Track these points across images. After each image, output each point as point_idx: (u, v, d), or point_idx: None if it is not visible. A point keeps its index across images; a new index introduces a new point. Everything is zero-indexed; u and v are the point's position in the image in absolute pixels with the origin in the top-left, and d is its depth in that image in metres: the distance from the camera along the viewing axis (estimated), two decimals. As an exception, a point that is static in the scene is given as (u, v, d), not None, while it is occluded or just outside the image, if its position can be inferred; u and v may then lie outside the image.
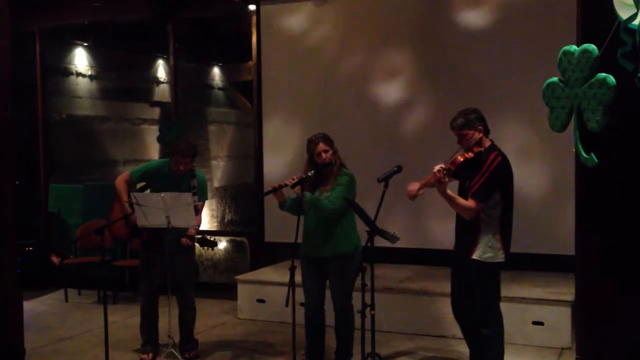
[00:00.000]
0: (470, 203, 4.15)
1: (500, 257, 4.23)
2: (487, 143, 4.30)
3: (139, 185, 5.55)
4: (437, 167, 4.09)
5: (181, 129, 7.82)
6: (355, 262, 4.73)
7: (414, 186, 4.36)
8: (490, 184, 4.15)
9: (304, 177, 4.62)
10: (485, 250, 4.21)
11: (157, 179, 5.28)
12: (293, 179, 4.62)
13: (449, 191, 4.17)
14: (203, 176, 5.47)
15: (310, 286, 4.88)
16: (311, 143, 4.77)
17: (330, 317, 4.93)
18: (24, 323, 5.45)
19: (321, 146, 4.72)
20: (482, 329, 4.36)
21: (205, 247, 5.07)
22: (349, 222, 4.80)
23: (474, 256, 4.23)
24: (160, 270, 5.17)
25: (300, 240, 4.76)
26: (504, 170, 4.23)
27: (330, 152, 4.73)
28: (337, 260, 4.76)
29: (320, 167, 4.69)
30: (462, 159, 4.19)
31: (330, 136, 4.82)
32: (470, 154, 4.21)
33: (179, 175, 5.22)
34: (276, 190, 4.65)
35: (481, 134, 4.27)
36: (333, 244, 4.75)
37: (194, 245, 5.49)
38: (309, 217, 4.75)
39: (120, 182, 5.28)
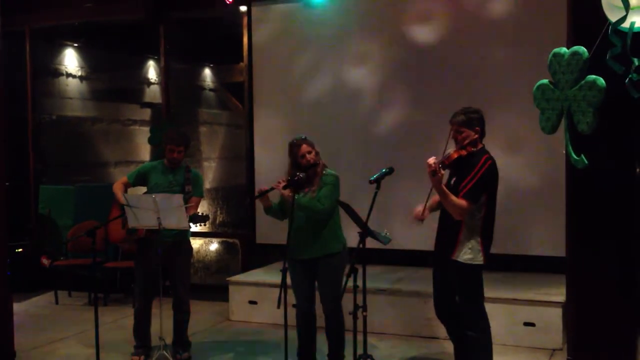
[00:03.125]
0: (462, 202, 4.16)
1: (479, 259, 4.25)
2: (480, 146, 4.33)
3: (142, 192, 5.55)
4: (431, 160, 4.09)
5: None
6: (344, 262, 4.77)
7: (419, 209, 4.42)
8: (481, 185, 4.18)
9: (296, 179, 4.63)
10: (465, 252, 4.24)
11: (153, 175, 5.32)
12: (279, 182, 4.66)
13: (443, 186, 4.18)
14: (199, 173, 5.54)
15: (300, 288, 4.89)
16: (294, 146, 4.80)
17: (321, 319, 4.93)
18: (14, 325, 5.42)
19: (304, 148, 4.75)
20: (467, 331, 4.38)
21: (198, 225, 5.08)
22: (336, 222, 4.83)
23: (454, 257, 4.26)
24: (154, 271, 5.16)
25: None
26: (493, 174, 4.26)
27: (314, 153, 4.77)
28: (326, 260, 4.77)
29: (305, 169, 4.70)
30: (456, 156, 4.21)
31: (311, 139, 4.85)
32: (464, 152, 4.23)
33: (174, 168, 5.28)
34: (266, 193, 4.69)
35: (477, 135, 4.30)
36: (322, 244, 4.77)
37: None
38: (299, 218, 4.71)
39: (117, 186, 5.30)
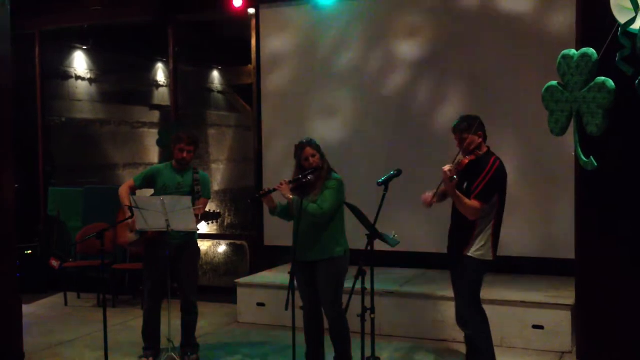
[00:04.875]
0: (475, 203, 4.33)
1: (489, 256, 4.42)
2: (485, 149, 4.50)
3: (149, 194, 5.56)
4: (447, 167, 4.29)
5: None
6: (344, 267, 4.78)
7: (428, 195, 4.56)
8: (492, 186, 4.35)
9: (304, 180, 4.63)
10: (478, 248, 4.40)
11: (161, 177, 5.32)
12: (282, 184, 4.65)
13: (457, 191, 4.34)
14: (207, 175, 5.56)
15: (305, 290, 4.89)
16: (298, 148, 4.80)
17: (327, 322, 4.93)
18: (23, 327, 5.45)
19: (308, 151, 4.74)
20: (464, 329, 4.54)
21: (210, 222, 5.10)
22: (337, 226, 4.81)
23: (467, 253, 4.41)
24: (163, 273, 5.17)
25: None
26: (503, 174, 4.44)
27: (318, 156, 4.76)
28: (326, 264, 4.76)
29: (309, 172, 4.69)
30: (467, 162, 4.38)
31: (317, 141, 4.84)
32: (472, 157, 4.40)
33: (182, 169, 5.30)
34: (267, 194, 4.71)
35: (481, 139, 4.47)
36: (322, 248, 4.76)
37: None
38: (302, 221, 4.65)
39: (124, 189, 5.31)
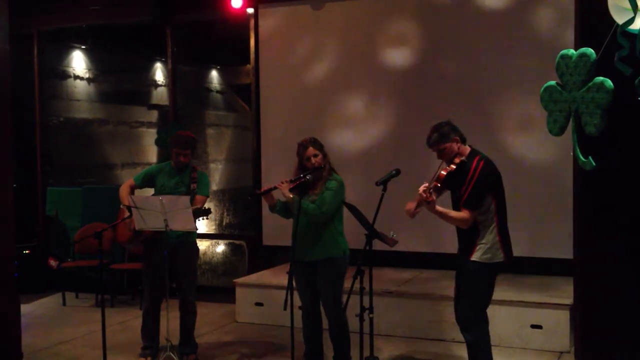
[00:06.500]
0: (464, 214, 4.18)
1: (499, 257, 4.24)
2: (467, 150, 4.31)
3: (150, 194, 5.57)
4: (422, 188, 4.10)
5: (179, 132, 7.81)
6: (343, 267, 4.76)
7: (411, 205, 4.36)
8: (479, 190, 4.17)
9: (304, 179, 4.62)
10: (484, 252, 4.23)
11: (160, 177, 5.35)
12: (282, 182, 4.66)
13: (438, 208, 4.18)
14: (205, 174, 5.57)
15: (304, 290, 4.89)
16: (301, 147, 4.78)
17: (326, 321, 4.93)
18: (21, 326, 5.44)
19: (310, 150, 4.73)
20: (465, 334, 4.37)
21: (201, 218, 5.09)
22: (337, 227, 4.80)
23: (473, 258, 4.25)
24: (161, 272, 5.18)
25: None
26: (490, 173, 4.23)
27: (320, 156, 4.75)
28: (325, 264, 4.76)
29: (310, 172, 4.69)
30: (445, 173, 4.19)
31: (320, 140, 4.83)
32: (452, 167, 4.21)
33: (180, 169, 5.31)
34: (268, 192, 4.70)
35: (459, 144, 4.29)
36: (321, 248, 4.75)
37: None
38: (300, 221, 4.63)
39: (124, 188, 5.33)
